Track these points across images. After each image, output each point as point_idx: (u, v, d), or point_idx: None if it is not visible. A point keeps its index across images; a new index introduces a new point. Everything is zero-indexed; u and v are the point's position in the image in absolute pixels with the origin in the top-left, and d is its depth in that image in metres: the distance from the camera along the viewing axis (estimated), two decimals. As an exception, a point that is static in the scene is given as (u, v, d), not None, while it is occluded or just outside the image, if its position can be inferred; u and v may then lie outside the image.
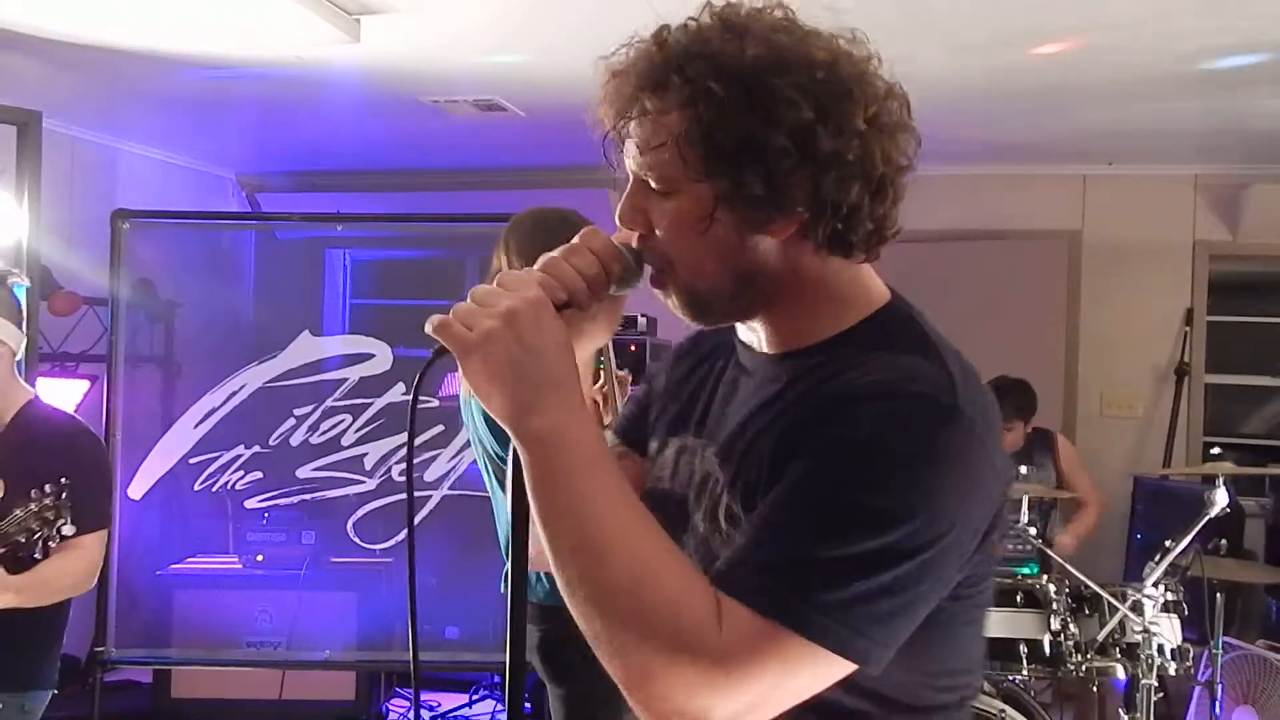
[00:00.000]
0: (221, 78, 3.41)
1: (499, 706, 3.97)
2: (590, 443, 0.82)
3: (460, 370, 0.82)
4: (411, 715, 4.04)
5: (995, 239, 4.60)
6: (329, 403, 3.65)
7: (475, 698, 4.08)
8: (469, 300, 0.83)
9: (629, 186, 0.89)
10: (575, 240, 0.87)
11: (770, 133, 0.81)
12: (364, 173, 4.84)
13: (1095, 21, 2.83)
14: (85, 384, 3.77)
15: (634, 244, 0.89)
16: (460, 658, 3.54)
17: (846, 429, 0.81)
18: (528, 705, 2.80)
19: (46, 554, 1.93)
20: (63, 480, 1.89)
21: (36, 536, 1.88)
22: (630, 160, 0.88)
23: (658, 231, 0.88)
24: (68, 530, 1.90)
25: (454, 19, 2.91)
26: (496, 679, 4.04)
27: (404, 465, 3.83)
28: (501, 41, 3.12)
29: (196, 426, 3.66)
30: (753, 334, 0.96)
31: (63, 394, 3.66)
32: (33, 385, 2.95)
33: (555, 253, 0.87)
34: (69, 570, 2.03)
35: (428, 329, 0.82)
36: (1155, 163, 4.42)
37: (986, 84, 3.46)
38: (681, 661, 0.75)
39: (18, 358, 2.11)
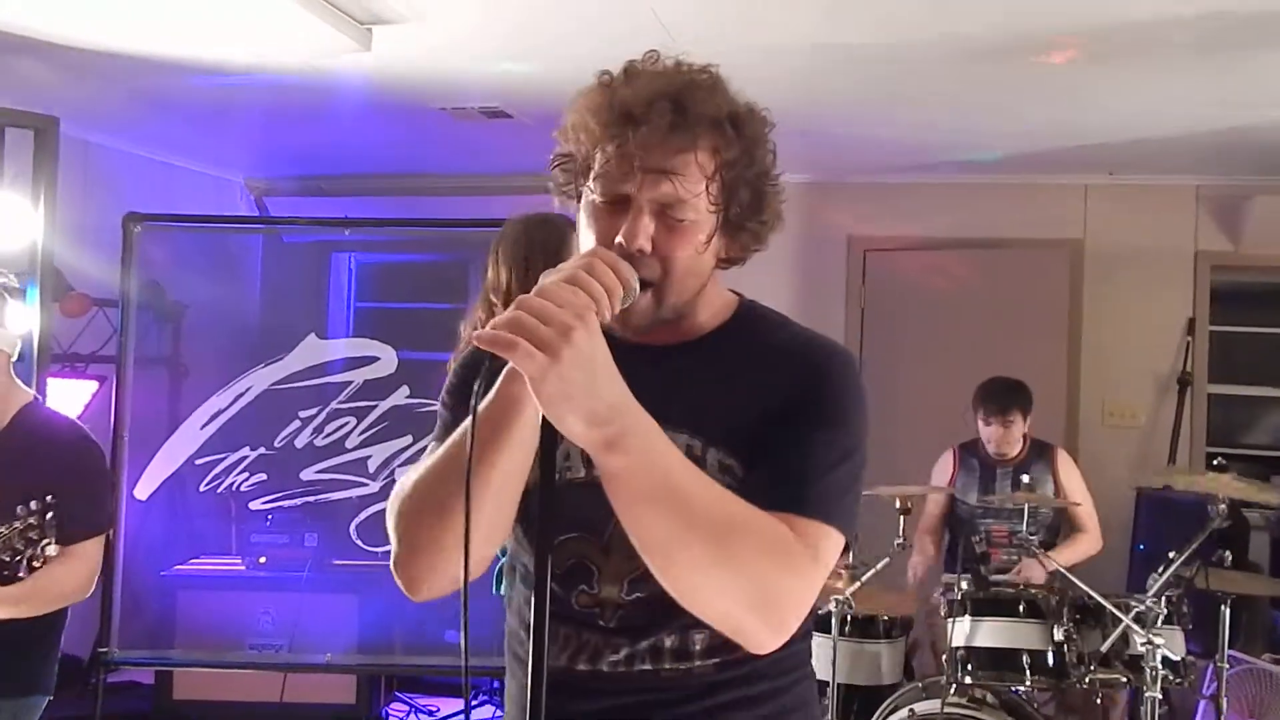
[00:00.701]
0: (233, 84, 3.45)
1: (498, 711, 3.98)
2: (665, 439, 0.93)
3: (533, 392, 0.85)
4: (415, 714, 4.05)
5: (996, 248, 4.62)
6: (333, 405, 3.67)
7: (475, 703, 4.09)
8: (519, 310, 0.84)
9: (642, 211, 0.99)
10: (591, 258, 0.93)
11: (770, 172, 1.05)
12: (370, 177, 4.89)
13: (1095, 32, 2.86)
14: (94, 384, 3.81)
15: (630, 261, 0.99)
16: (460, 662, 3.54)
17: (825, 384, 1.08)
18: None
19: (31, 571, 1.93)
20: (48, 499, 1.90)
21: (19, 557, 1.88)
22: (657, 189, 0.99)
23: (666, 251, 1.00)
24: (51, 550, 1.90)
25: (462, 29, 2.95)
26: (496, 684, 4.05)
27: (408, 468, 3.83)
28: (508, 51, 3.16)
29: (203, 428, 3.68)
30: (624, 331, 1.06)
31: (72, 394, 3.69)
32: (43, 386, 2.99)
33: (577, 267, 0.91)
34: (69, 577, 2.04)
35: (481, 344, 0.83)
36: (1157, 173, 4.43)
37: (987, 93, 3.49)
38: (796, 570, 0.97)
39: (13, 359, 2.13)
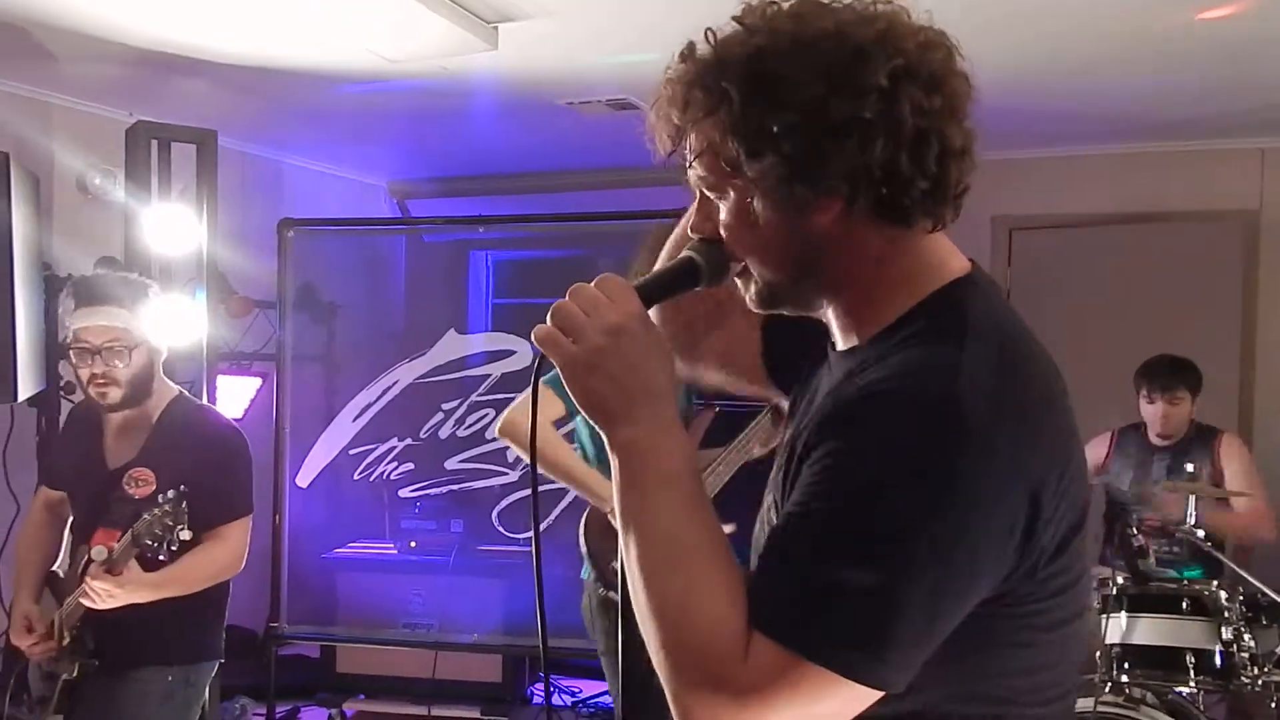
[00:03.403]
0: (373, 91, 3.60)
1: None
2: (674, 458, 0.85)
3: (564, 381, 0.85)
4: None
5: (1158, 221, 4.28)
6: (474, 397, 3.81)
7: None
8: (570, 300, 0.85)
9: (696, 200, 0.94)
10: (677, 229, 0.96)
11: (780, 114, 0.82)
12: (504, 177, 5.00)
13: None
14: (258, 381, 4.07)
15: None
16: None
17: (841, 444, 0.80)
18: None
19: (170, 555, 2.09)
20: (182, 488, 2.06)
21: (158, 543, 2.05)
22: (690, 175, 0.92)
23: (722, 230, 0.91)
24: (185, 535, 2.06)
25: (585, 22, 2.96)
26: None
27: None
28: (632, 41, 3.15)
29: (355, 420, 3.90)
30: (833, 332, 0.97)
31: (238, 391, 3.97)
32: (213, 383, 3.23)
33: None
34: (211, 559, 2.21)
35: (534, 338, 0.85)
36: (1348, 131, 4.01)
37: (1145, 54, 3.23)
38: (709, 690, 0.78)
39: (164, 357, 2.31)
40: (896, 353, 0.84)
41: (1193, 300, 4.13)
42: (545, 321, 0.86)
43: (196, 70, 3.34)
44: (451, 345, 3.86)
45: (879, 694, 0.77)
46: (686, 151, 0.91)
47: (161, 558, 2.10)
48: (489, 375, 3.81)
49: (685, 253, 0.93)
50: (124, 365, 2.17)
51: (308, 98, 3.70)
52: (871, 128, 0.81)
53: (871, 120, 0.81)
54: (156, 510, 2.04)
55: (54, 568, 2.40)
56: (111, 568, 2.06)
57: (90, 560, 2.17)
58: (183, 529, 2.05)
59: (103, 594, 2.06)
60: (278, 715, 3.82)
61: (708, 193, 0.91)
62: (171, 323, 3.03)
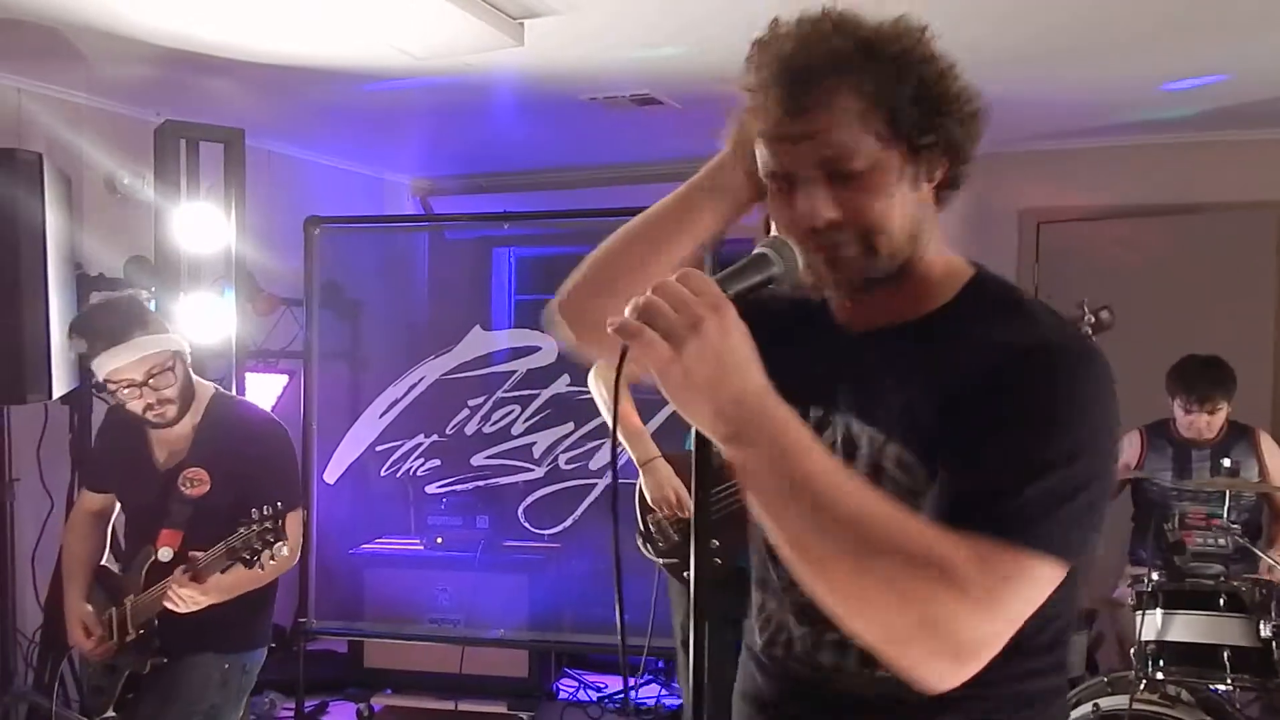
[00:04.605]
0: (397, 89, 3.61)
1: (663, 690, 4.04)
2: (803, 436, 0.87)
3: (657, 380, 0.85)
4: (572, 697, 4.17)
5: (1190, 213, 4.22)
6: (499, 394, 3.82)
7: (641, 680, 4.16)
8: (656, 295, 0.83)
9: (809, 182, 0.96)
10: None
11: (925, 87, 0.95)
12: (527, 172, 5.01)
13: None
14: (285, 378, 4.10)
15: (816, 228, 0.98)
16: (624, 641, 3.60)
17: (1028, 380, 0.93)
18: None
19: (264, 566, 2.14)
20: (279, 505, 2.10)
21: (257, 556, 2.09)
22: (813, 158, 0.95)
23: (857, 208, 0.95)
24: (285, 552, 2.11)
25: (611, 16, 2.95)
26: (661, 664, 4.11)
27: (570, 454, 3.94)
28: (657, 36, 3.15)
29: (381, 416, 3.92)
30: (843, 313, 1.07)
31: (266, 388, 4.00)
32: (242, 380, 3.26)
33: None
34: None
35: (612, 330, 0.83)
36: (1385, 119, 3.93)
37: (1173, 43, 3.19)
38: (958, 604, 0.84)
39: (188, 357, 2.34)
40: (992, 316, 0.98)
41: (1224, 293, 4.07)
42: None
43: (223, 70, 3.36)
44: (477, 341, 3.87)
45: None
46: (819, 131, 0.93)
47: (259, 569, 2.14)
48: (514, 371, 3.82)
49: (759, 249, 0.93)
50: (171, 384, 2.21)
51: (333, 96, 3.72)
52: (970, 103, 0.98)
53: (964, 97, 0.97)
54: (255, 525, 2.08)
55: (102, 563, 2.46)
56: (197, 575, 2.12)
57: (156, 560, 2.22)
58: (283, 546, 2.10)
59: (188, 599, 2.12)
60: (306, 710, 3.85)
61: (849, 168, 0.94)
62: (200, 320, 3.06)
